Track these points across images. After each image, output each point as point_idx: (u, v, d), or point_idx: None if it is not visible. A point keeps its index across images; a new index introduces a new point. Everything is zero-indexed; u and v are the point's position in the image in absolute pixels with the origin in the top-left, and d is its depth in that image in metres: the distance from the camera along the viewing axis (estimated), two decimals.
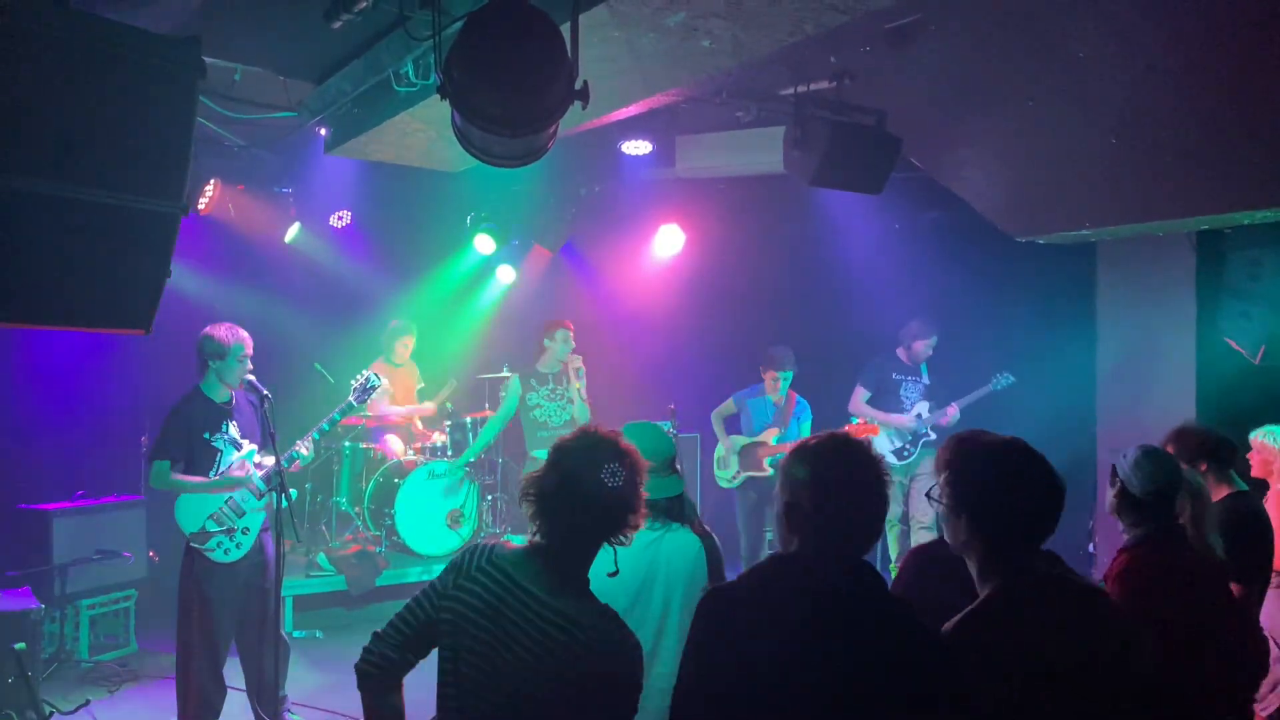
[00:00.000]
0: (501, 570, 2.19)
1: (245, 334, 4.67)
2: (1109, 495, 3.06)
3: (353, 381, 5.19)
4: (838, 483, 1.95)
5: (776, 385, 6.91)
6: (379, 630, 2.32)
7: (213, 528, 4.55)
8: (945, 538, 2.90)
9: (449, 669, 2.20)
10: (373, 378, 5.21)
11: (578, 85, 2.82)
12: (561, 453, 2.21)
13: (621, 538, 2.17)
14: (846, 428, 6.79)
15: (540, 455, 6.51)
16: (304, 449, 4.84)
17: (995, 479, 2.07)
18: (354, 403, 5.12)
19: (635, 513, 2.17)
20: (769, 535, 6.80)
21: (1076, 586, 2.10)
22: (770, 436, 6.82)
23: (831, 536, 1.94)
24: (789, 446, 2.13)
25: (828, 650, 1.85)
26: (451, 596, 2.20)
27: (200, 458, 4.57)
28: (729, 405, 7.19)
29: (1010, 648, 1.97)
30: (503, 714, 2.12)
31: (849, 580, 1.93)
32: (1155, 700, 2.04)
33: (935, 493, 2.17)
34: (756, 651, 1.87)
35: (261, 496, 4.67)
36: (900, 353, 7.20)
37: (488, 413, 7.80)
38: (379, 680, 2.28)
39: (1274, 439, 4.46)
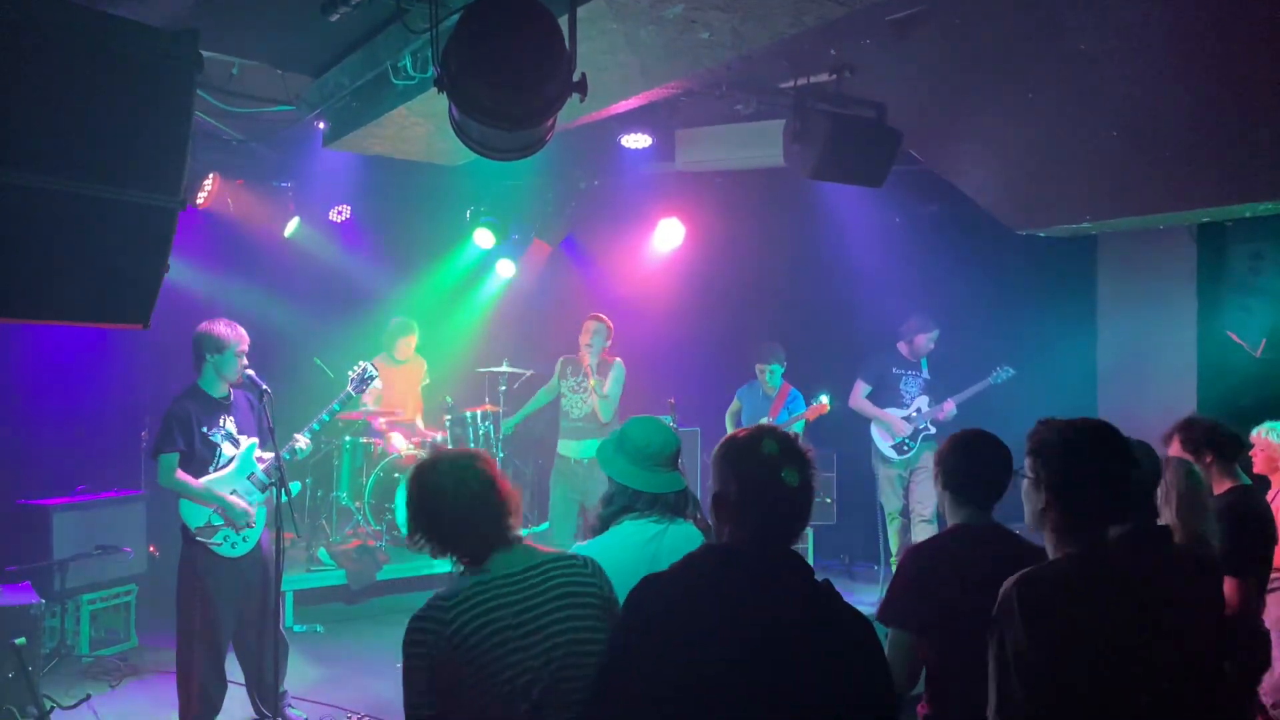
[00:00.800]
0: (469, 599, 2.21)
1: (242, 330, 4.67)
2: None
3: (350, 372, 5.18)
4: (759, 476, 1.95)
5: (768, 379, 7.06)
6: None
7: (218, 521, 4.55)
8: (947, 521, 2.91)
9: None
10: (370, 368, 5.19)
11: (576, 78, 2.81)
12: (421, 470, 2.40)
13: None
14: (807, 409, 6.81)
15: (563, 448, 6.48)
16: (302, 443, 4.83)
17: (1079, 454, 2.19)
18: (352, 393, 5.11)
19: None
20: None
21: (1151, 562, 2.21)
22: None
23: (755, 526, 1.95)
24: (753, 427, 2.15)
25: (750, 639, 1.85)
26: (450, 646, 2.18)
27: (199, 453, 4.56)
28: (735, 404, 7.37)
29: (1067, 610, 2.04)
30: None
31: (774, 567, 1.93)
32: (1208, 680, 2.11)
33: (1021, 468, 2.29)
34: (680, 640, 1.87)
35: (264, 490, 4.67)
36: (901, 347, 7.19)
37: (488, 406, 7.80)
38: None
39: (1277, 436, 4.45)
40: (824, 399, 6.84)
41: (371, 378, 5.17)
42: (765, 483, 1.93)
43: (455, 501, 2.28)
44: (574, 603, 2.25)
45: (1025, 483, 2.26)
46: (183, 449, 4.50)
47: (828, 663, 1.87)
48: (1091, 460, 2.17)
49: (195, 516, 4.53)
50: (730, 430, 7.42)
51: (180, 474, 4.48)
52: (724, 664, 1.84)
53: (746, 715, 1.82)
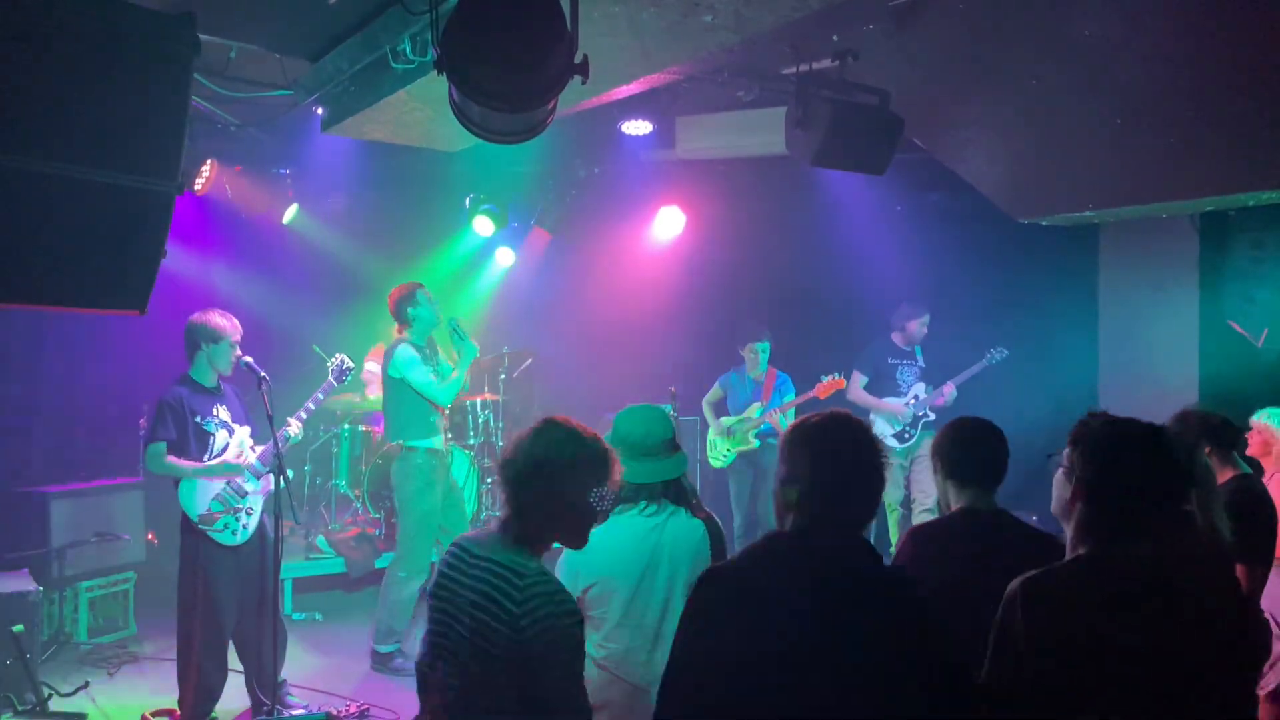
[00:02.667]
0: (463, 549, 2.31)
1: (236, 321, 4.69)
2: None
3: (329, 363, 5.15)
4: (835, 460, 1.97)
5: (756, 359, 6.96)
6: None
7: (217, 509, 4.55)
8: (946, 507, 2.88)
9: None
10: (347, 360, 5.13)
11: (577, 59, 2.78)
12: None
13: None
14: (817, 386, 6.77)
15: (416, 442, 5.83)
16: (295, 428, 4.82)
17: (1117, 456, 2.12)
18: (335, 383, 5.08)
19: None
20: (766, 513, 6.80)
21: (1169, 568, 2.12)
22: (753, 410, 6.84)
23: (828, 513, 1.96)
24: (773, 416, 2.16)
25: (827, 626, 1.86)
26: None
27: (194, 442, 4.56)
28: (715, 390, 7.25)
29: (1072, 608, 1.99)
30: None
31: (847, 556, 1.95)
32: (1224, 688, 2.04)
33: (1060, 458, 2.23)
34: (754, 630, 1.88)
35: (260, 477, 4.67)
36: (895, 337, 7.17)
37: (487, 395, 7.78)
38: None
39: (1277, 421, 4.44)
40: (839, 375, 6.81)
41: (349, 369, 5.12)
42: (857, 464, 1.97)
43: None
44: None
45: (1059, 471, 2.21)
46: (173, 438, 4.49)
47: (893, 645, 1.88)
48: (1129, 464, 2.10)
49: (195, 506, 4.52)
50: (710, 418, 7.33)
51: (171, 458, 4.48)
52: (788, 648, 1.85)
53: (815, 695, 1.84)
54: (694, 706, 1.93)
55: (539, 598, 2.12)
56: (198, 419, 4.58)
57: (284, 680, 4.85)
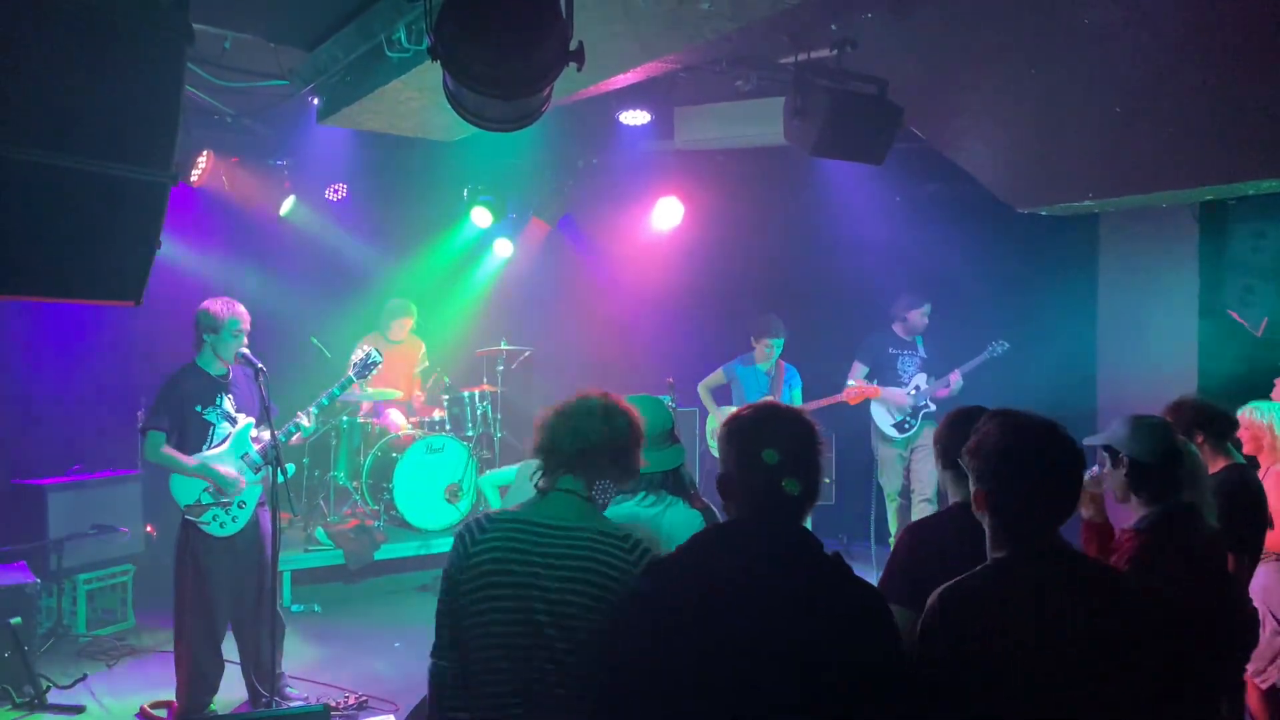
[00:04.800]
0: (513, 522, 2.28)
1: (242, 308, 4.65)
2: (1115, 479, 2.90)
3: (352, 356, 5.15)
4: (760, 462, 1.95)
5: (769, 354, 6.91)
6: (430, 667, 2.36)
7: (207, 500, 4.53)
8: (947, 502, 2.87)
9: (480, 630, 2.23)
10: (374, 353, 5.18)
11: (572, 46, 2.76)
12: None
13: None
14: (845, 390, 6.78)
15: None
16: (305, 420, 4.81)
17: (1015, 454, 2.08)
18: (353, 376, 5.08)
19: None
20: None
21: (1087, 566, 2.11)
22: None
23: (764, 504, 1.95)
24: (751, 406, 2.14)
25: (755, 611, 1.87)
26: (468, 570, 2.25)
27: (193, 431, 4.55)
28: (717, 376, 7.18)
29: (992, 617, 1.97)
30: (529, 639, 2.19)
31: (774, 543, 1.94)
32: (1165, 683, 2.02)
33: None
34: (688, 616, 1.89)
35: (259, 470, 4.65)
36: (896, 327, 7.16)
37: (485, 386, 7.77)
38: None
39: (1261, 414, 4.42)
40: (873, 383, 6.86)
41: (375, 362, 5.13)
42: (755, 463, 1.94)
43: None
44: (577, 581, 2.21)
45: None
46: (166, 427, 4.48)
47: (836, 633, 1.87)
48: (1026, 474, 2.07)
49: (184, 494, 4.52)
50: (708, 403, 7.32)
51: (167, 449, 4.47)
52: (731, 637, 1.84)
53: (757, 687, 1.83)
54: (638, 697, 1.93)
55: (640, 543, 2.24)
56: (198, 408, 4.56)
57: (282, 672, 4.85)
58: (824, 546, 1.99)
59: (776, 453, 1.93)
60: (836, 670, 1.84)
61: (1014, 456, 2.08)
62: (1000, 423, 2.13)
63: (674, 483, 2.90)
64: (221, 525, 4.57)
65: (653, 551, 2.25)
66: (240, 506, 4.62)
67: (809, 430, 1.99)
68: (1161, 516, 2.81)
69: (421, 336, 7.90)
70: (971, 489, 2.16)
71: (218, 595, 4.58)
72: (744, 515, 1.99)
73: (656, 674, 1.89)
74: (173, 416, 4.50)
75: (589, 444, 2.31)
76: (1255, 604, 3.61)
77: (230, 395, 4.68)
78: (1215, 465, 3.70)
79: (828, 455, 2.07)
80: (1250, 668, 3.71)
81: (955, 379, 6.95)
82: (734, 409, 7.24)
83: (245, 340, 4.62)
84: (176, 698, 4.62)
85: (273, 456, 4.47)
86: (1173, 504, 2.83)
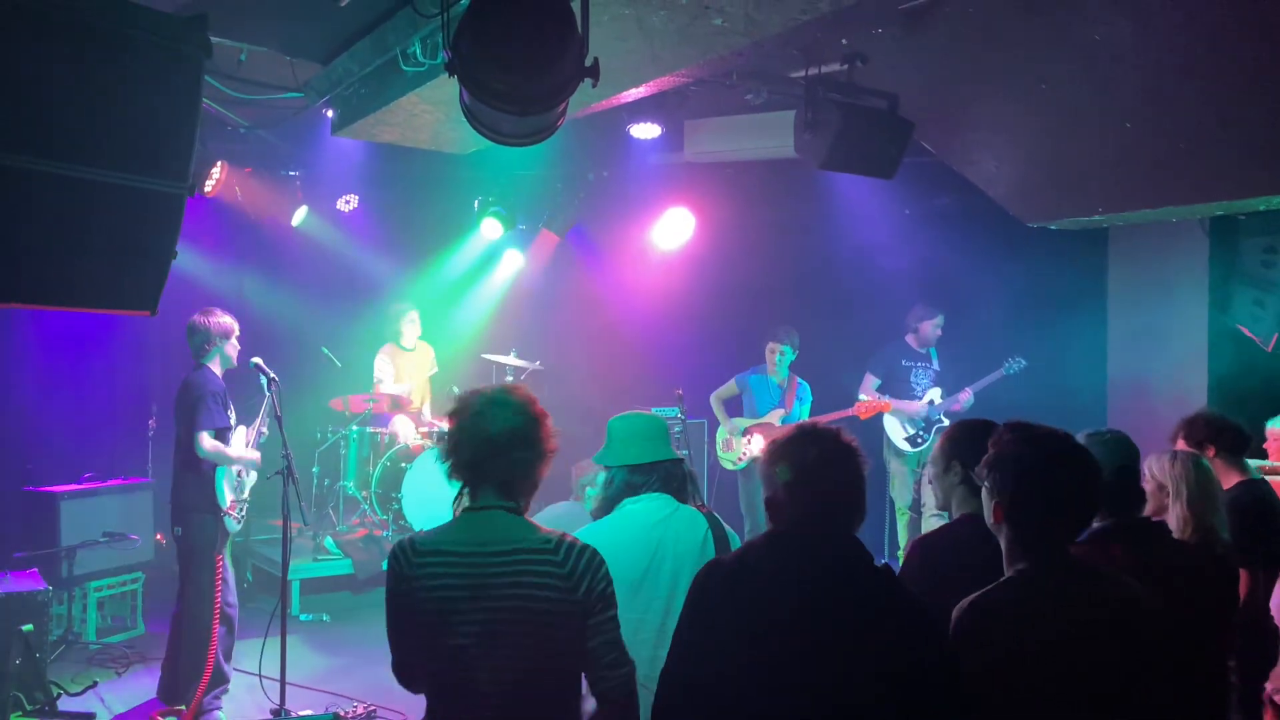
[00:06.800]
0: (446, 549, 2.19)
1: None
2: None
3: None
4: (814, 473, 2.04)
5: (779, 361, 6.91)
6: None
7: (237, 498, 4.87)
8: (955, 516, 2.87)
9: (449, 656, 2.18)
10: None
11: (588, 63, 2.78)
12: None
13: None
14: (855, 405, 6.78)
15: None
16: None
17: (1034, 467, 2.10)
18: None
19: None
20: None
21: (1103, 577, 2.11)
22: (776, 418, 6.82)
23: (815, 519, 2.04)
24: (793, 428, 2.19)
25: (819, 619, 1.93)
26: (398, 596, 2.21)
27: (230, 431, 4.88)
28: (729, 387, 7.18)
29: (1020, 629, 1.98)
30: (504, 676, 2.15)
31: (838, 556, 2.02)
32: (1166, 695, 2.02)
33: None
34: (748, 624, 1.96)
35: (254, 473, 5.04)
36: (910, 339, 7.16)
37: None
38: None
39: None
40: (884, 399, 6.88)
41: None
42: (834, 475, 2.06)
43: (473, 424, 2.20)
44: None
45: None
46: (225, 424, 4.77)
47: (878, 641, 1.92)
48: (1047, 486, 2.08)
49: (225, 496, 4.78)
50: (718, 413, 7.30)
51: (219, 445, 4.74)
52: (779, 639, 1.92)
53: (801, 685, 1.89)
54: (690, 692, 2.00)
55: (577, 552, 2.17)
56: (227, 411, 4.84)
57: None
58: (871, 559, 2.05)
59: (822, 464, 2.03)
60: (886, 681, 1.90)
61: (1034, 469, 2.09)
62: (1018, 436, 2.15)
63: (679, 488, 2.93)
64: (238, 521, 4.91)
65: (581, 547, 2.19)
66: (246, 503, 4.98)
67: (849, 447, 2.10)
68: (1108, 529, 2.75)
69: (432, 345, 7.95)
70: (989, 502, 2.17)
71: (233, 584, 4.92)
72: (794, 528, 2.05)
73: (708, 668, 1.98)
74: (220, 415, 4.73)
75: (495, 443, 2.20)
76: (1276, 619, 3.59)
77: (231, 400, 4.92)
78: (1229, 480, 3.69)
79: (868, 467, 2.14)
80: (1269, 686, 3.68)
81: (966, 396, 6.94)
82: (744, 420, 7.25)
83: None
84: (188, 692, 4.69)
85: (284, 465, 4.63)
86: (1125, 518, 2.76)
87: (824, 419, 6.74)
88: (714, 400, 7.20)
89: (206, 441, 4.66)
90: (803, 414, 6.94)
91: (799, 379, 7.03)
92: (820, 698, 1.88)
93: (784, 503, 2.05)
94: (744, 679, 1.93)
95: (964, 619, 2.04)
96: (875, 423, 7.10)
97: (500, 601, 2.13)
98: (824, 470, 2.04)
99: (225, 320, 4.86)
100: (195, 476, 4.71)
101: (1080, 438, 2.83)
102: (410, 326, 7.63)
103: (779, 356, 6.91)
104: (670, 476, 2.89)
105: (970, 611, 2.04)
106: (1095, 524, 2.81)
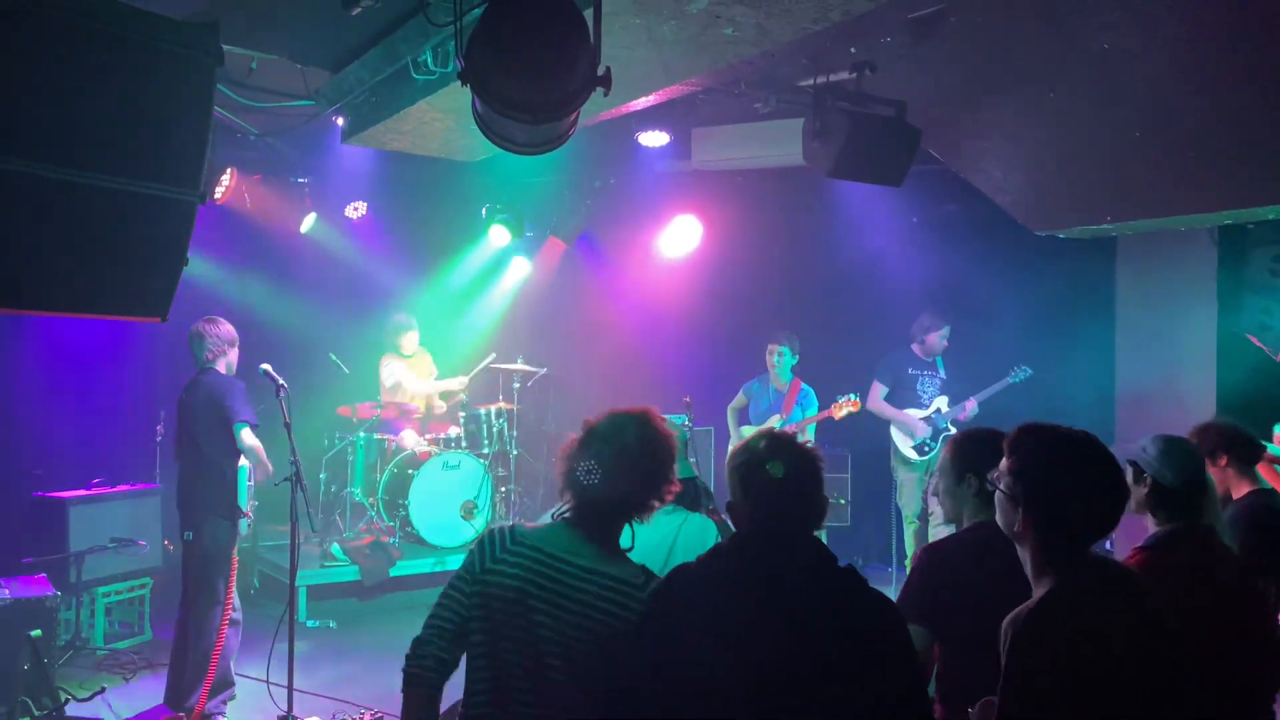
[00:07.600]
0: (533, 547, 2.26)
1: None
2: (1135, 494, 2.89)
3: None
4: (765, 478, 2.06)
5: (777, 363, 6.93)
6: (420, 635, 2.30)
7: (251, 499, 4.97)
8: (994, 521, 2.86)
9: (483, 652, 2.22)
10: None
11: (600, 71, 2.79)
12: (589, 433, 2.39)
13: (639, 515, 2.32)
14: (832, 406, 6.78)
15: None
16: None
17: (1059, 472, 2.08)
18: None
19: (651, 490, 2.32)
20: None
21: (1135, 579, 2.11)
22: (773, 423, 6.82)
23: (775, 520, 2.06)
24: (790, 431, 2.22)
25: (765, 616, 1.95)
26: (482, 581, 2.24)
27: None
28: (739, 397, 7.26)
29: (1070, 642, 1.96)
30: (533, 683, 2.17)
31: (798, 553, 2.03)
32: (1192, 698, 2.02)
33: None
34: (708, 626, 1.97)
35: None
36: (915, 348, 7.15)
37: (502, 404, 7.80)
38: (432, 684, 2.27)
39: None
40: (854, 397, 6.81)
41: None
42: (757, 478, 2.07)
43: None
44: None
45: (999, 495, 2.15)
46: (256, 420, 4.86)
47: (844, 640, 1.94)
48: (1077, 485, 2.05)
49: (245, 498, 4.88)
50: (732, 425, 7.34)
51: (257, 440, 4.81)
52: (746, 646, 1.92)
53: (772, 696, 1.89)
54: (649, 700, 2.01)
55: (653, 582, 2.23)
56: None
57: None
58: (834, 559, 2.06)
59: (781, 466, 2.04)
60: (851, 681, 1.91)
61: (1062, 469, 2.08)
62: (1041, 439, 2.13)
63: (690, 499, 2.94)
64: (248, 524, 5.00)
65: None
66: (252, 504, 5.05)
67: (808, 452, 2.12)
68: (1170, 535, 2.80)
69: (433, 351, 7.97)
70: (1014, 510, 2.11)
71: (237, 603, 4.93)
72: (754, 529, 2.07)
73: (671, 685, 1.97)
74: (251, 410, 4.83)
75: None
76: None
77: None
78: (1239, 490, 3.67)
79: (834, 474, 2.16)
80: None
81: (971, 406, 6.93)
82: (749, 428, 7.26)
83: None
84: (195, 696, 4.72)
85: (293, 472, 4.59)
86: (1187, 525, 2.81)
87: (807, 421, 6.77)
88: (729, 412, 7.29)
89: (249, 436, 4.71)
90: (806, 417, 6.94)
91: (803, 384, 7.02)
92: (789, 695, 1.89)
93: (744, 505, 2.08)
94: (710, 680, 1.94)
95: (1023, 629, 1.99)
96: (882, 432, 7.10)
97: (573, 616, 2.19)
98: (784, 472, 2.06)
99: (230, 329, 4.98)
100: (215, 478, 4.75)
101: (1154, 442, 2.88)
102: (410, 341, 7.67)
103: (778, 358, 6.94)
104: (681, 497, 2.89)
105: (1030, 620, 2.00)
106: (1157, 528, 2.86)
